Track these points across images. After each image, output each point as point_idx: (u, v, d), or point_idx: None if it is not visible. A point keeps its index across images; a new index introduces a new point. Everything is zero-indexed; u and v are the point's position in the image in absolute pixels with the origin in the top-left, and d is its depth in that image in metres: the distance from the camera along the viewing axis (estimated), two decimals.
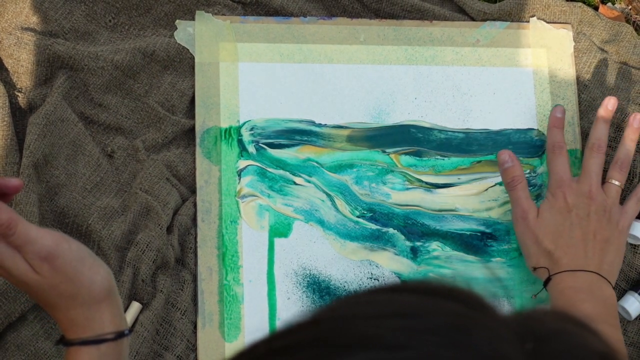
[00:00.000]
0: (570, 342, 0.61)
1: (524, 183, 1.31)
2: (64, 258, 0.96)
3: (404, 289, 0.64)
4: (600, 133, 1.33)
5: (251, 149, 1.34)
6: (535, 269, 1.29)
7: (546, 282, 1.27)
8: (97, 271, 0.98)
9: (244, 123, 1.35)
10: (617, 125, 1.41)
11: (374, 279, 1.32)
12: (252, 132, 1.35)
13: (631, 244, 1.37)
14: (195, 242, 1.30)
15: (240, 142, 1.34)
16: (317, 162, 1.35)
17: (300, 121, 1.36)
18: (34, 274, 0.96)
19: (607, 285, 1.26)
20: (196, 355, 1.27)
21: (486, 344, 0.59)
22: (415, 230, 1.34)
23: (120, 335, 0.98)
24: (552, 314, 0.64)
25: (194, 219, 1.31)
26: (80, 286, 0.97)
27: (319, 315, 0.62)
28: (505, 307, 1.33)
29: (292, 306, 1.30)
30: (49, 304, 0.98)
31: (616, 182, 1.32)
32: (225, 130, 1.34)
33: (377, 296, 0.63)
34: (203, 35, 1.37)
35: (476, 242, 1.35)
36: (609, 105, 1.34)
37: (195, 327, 1.28)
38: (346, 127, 1.37)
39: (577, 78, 1.42)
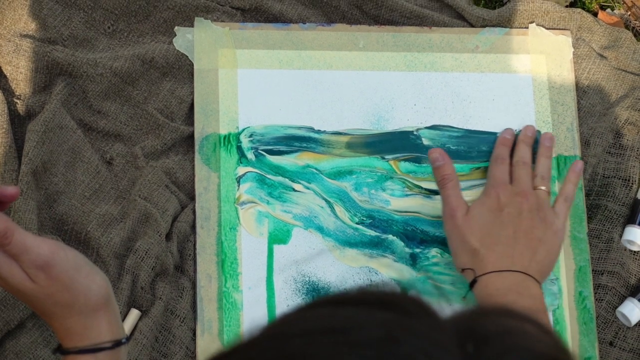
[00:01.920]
0: (511, 341, 0.61)
1: (454, 181, 1.30)
2: (60, 266, 0.96)
3: (339, 301, 0.64)
4: (523, 153, 1.34)
5: (250, 155, 1.34)
6: (462, 270, 1.27)
7: (472, 284, 1.25)
8: (93, 279, 0.98)
9: (243, 130, 1.35)
10: (617, 132, 1.41)
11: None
12: (251, 138, 1.35)
13: (631, 250, 1.37)
14: (195, 249, 1.30)
15: (240, 149, 1.34)
16: (316, 169, 1.35)
17: (300, 128, 1.36)
18: (30, 282, 0.96)
19: (535, 284, 1.24)
20: None
21: (419, 352, 0.59)
22: (415, 236, 1.34)
23: (117, 343, 0.98)
24: (496, 312, 0.63)
25: (193, 226, 1.31)
26: (76, 295, 0.96)
27: (256, 336, 0.63)
28: None
29: None
30: (46, 312, 0.97)
31: (543, 187, 1.31)
32: (224, 136, 1.34)
33: (312, 311, 0.63)
34: (202, 41, 1.37)
35: None
36: (528, 132, 1.36)
37: (194, 334, 1.28)
38: (345, 134, 1.37)
39: (577, 84, 1.42)
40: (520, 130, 1.38)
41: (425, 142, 1.38)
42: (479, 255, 1.25)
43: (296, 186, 1.34)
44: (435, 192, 1.36)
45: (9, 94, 1.31)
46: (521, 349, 0.61)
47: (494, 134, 1.39)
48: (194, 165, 1.33)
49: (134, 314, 1.25)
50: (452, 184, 1.29)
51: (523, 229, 1.27)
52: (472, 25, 1.43)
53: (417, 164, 1.37)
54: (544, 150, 1.35)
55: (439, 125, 1.38)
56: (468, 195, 1.36)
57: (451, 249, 1.29)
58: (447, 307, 1.32)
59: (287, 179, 1.34)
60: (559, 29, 1.44)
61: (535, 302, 1.22)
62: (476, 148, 1.38)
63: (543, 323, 0.63)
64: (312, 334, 0.60)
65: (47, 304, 0.97)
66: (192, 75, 1.36)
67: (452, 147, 1.38)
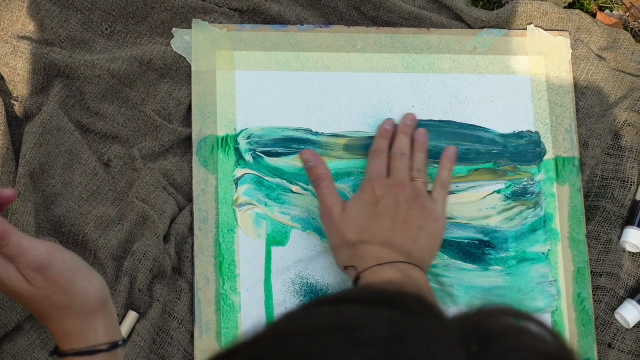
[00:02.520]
0: (516, 341, 0.61)
1: (328, 180, 1.29)
2: (57, 269, 0.96)
3: (345, 299, 0.63)
4: (402, 144, 1.33)
5: (248, 157, 1.34)
6: (345, 268, 1.25)
7: (356, 282, 1.23)
8: (90, 282, 0.97)
9: (241, 131, 1.35)
10: (616, 133, 1.40)
11: None
12: (249, 140, 1.34)
13: (629, 252, 1.37)
14: (192, 251, 1.30)
15: (237, 151, 1.34)
16: None
17: (298, 129, 1.36)
18: (27, 284, 0.96)
19: (419, 273, 1.23)
20: None
21: (424, 352, 0.59)
22: None
23: (114, 346, 0.98)
24: (500, 311, 0.63)
25: (191, 228, 1.31)
26: (73, 297, 0.96)
27: (260, 334, 0.62)
28: None
29: None
30: (43, 314, 0.97)
31: (419, 178, 1.31)
32: (222, 138, 1.34)
33: (317, 310, 0.63)
34: (200, 43, 1.36)
35: (474, 250, 1.35)
36: (408, 121, 1.35)
37: (192, 336, 1.27)
38: (343, 136, 1.36)
39: (575, 85, 1.42)
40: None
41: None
42: (359, 250, 1.24)
43: (294, 188, 1.34)
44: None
45: (7, 95, 1.31)
46: (526, 349, 0.61)
47: (488, 130, 1.38)
48: (191, 167, 1.33)
49: (132, 316, 1.25)
50: (326, 183, 1.29)
51: (401, 219, 1.26)
52: (470, 27, 1.43)
53: None
54: (418, 145, 1.34)
55: (432, 121, 1.38)
56: (466, 198, 1.36)
57: (331, 248, 1.28)
58: (445, 309, 1.32)
59: (285, 181, 1.34)
60: (558, 30, 1.44)
61: (421, 287, 1.21)
62: (474, 150, 1.38)
63: (547, 323, 0.63)
64: (317, 333, 0.60)
65: (44, 306, 0.97)
66: (190, 77, 1.35)
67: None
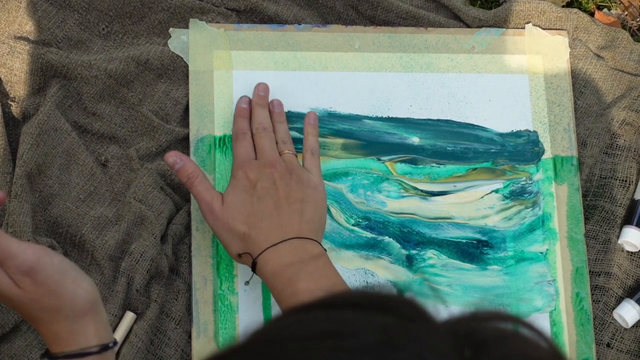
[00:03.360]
0: (509, 347, 0.60)
1: (200, 176, 1.26)
2: (45, 272, 0.95)
3: (336, 303, 0.63)
4: (261, 117, 1.31)
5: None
6: (239, 256, 1.24)
7: (254, 268, 1.22)
8: (80, 284, 0.97)
9: None
10: (614, 132, 1.40)
11: (369, 287, 1.31)
12: None
13: (628, 252, 1.37)
14: (190, 251, 1.30)
15: None
16: None
17: (295, 129, 1.35)
18: (16, 288, 0.96)
19: (314, 245, 1.22)
20: None
21: (416, 358, 0.58)
22: (411, 238, 1.34)
23: (104, 348, 0.98)
24: (494, 316, 0.63)
25: (188, 228, 1.30)
26: (63, 300, 0.96)
27: (250, 340, 0.62)
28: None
29: None
30: (33, 317, 0.97)
31: (287, 150, 1.29)
32: (220, 138, 1.34)
33: (308, 314, 0.62)
34: (197, 43, 1.36)
35: (472, 250, 1.35)
36: (260, 91, 1.33)
37: (189, 337, 1.27)
38: (341, 136, 1.36)
39: (573, 84, 1.42)
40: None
41: (418, 142, 1.37)
42: (250, 238, 1.22)
43: None
44: (431, 194, 1.36)
45: (3, 96, 1.31)
46: (519, 354, 0.60)
47: (486, 129, 1.38)
48: None
49: (129, 316, 1.25)
50: (198, 179, 1.25)
51: (282, 197, 1.24)
52: (468, 26, 1.42)
53: (413, 166, 1.36)
54: (276, 117, 1.32)
55: (430, 120, 1.38)
56: (464, 197, 1.36)
57: (222, 242, 1.25)
58: (443, 309, 1.32)
59: None
60: (556, 29, 1.43)
61: (318, 262, 1.20)
62: (472, 149, 1.38)
63: (541, 329, 0.62)
64: (308, 339, 0.59)
65: (33, 310, 0.97)
66: (187, 76, 1.35)
67: (448, 148, 1.37)
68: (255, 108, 1.32)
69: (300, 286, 1.17)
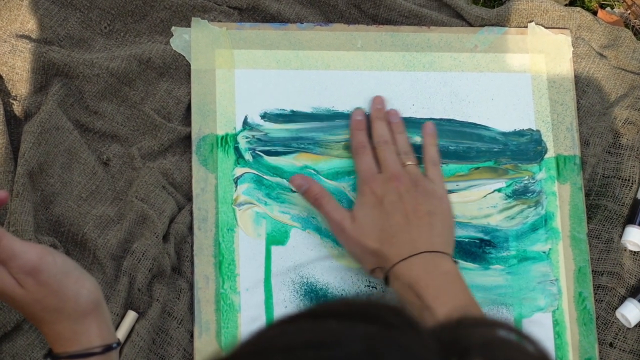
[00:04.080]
0: (495, 353, 0.60)
1: (327, 197, 1.28)
2: (48, 272, 0.95)
3: (321, 314, 0.63)
4: (381, 130, 1.32)
5: (248, 156, 1.33)
6: (372, 271, 1.25)
7: (386, 281, 1.23)
8: (83, 284, 0.97)
9: (241, 130, 1.34)
10: (616, 131, 1.40)
11: (372, 287, 1.31)
12: (248, 139, 1.34)
13: (631, 251, 1.37)
14: (192, 250, 1.30)
15: (237, 150, 1.33)
16: (314, 170, 1.34)
17: (298, 128, 1.35)
18: (19, 288, 0.95)
19: (443, 258, 1.22)
20: None
21: None
22: None
23: (108, 348, 0.98)
24: (480, 322, 0.63)
25: (190, 227, 1.30)
26: (65, 300, 0.96)
27: (236, 351, 0.62)
28: (504, 315, 1.32)
29: None
30: (36, 317, 0.97)
31: (410, 162, 1.30)
32: (222, 137, 1.33)
33: (293, 325, 0.62)
34: (199, 42, 1.36)
35: (475, 249, 1.34)
36: (377, 104, 1.34)
37: (191, 336, 1.27)
38: (343, 135, 1.36)
39: (576, 83, 1.42)
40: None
41: (420, 142, 1.37)
42: (382, 253, 1.23)
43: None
44: None
45: (5, 94, 1.31)
46: None
47: (488, 128, 1.38)
48: (191, 166, 1.32)
49: (131, 315, 1.25)
50: (326, 199, 1.28)
51: (410, 210, 1.25)
52: (470, 25, 1.42)
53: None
54: (395, 127, 1.33)
55: (432, 119, 1.37)
56: (467, 196, 1.36)
57: (356, 259, 1.27)
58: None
59: (285, 180, 1.33)
60: (558, 28, 1.43)
61: (447, 277, 1.20)
62: (475, 148, 1.38)
63: (528, 333, 0.62)
64: (293, 350, 0.59)
65: (36, 309, 0.96)
66: (189, 75, 1.35)
67: (450, 147, 1.37)
68: (375, 121, 1.33)
69: (427, 301, 1.18)
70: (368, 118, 1.35)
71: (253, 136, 1.34)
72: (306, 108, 1.36)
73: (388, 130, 1.32)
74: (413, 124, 1.37)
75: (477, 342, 0.60)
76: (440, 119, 1.38)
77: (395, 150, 1.30)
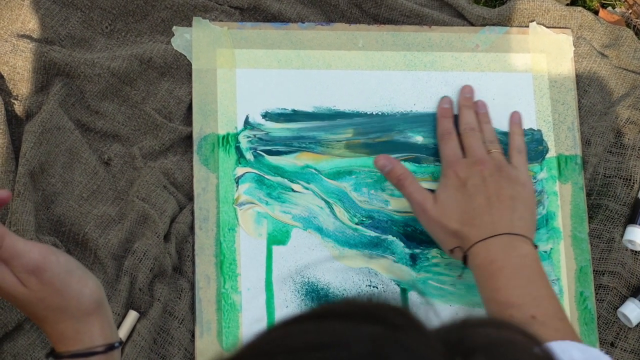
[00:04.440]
0: (500, 353, 0.60)
1: (410, 178, 1.29)
2: (51, 271, 0.95)
3: (326, 315, 0.62)
4: (469, 118, 1.34)
5: (249, 156, 1.33)
6: (451, 251, 1.27)
7: (465, 260, 1.25)
8: (85, 284, 0.97)
9: (242, 130, 1.34)
10: (618, 131, 1.40)
11: (373, 287, 1.31)
12: (249, 139, 1.34)
13: (632, 251, 1.37)
14: (193, 250, 1.30)
15: (238, 149, 1.33)
16: (315, 169, 1.34)
17: (299, 128, 1.35)
18: (21, 287, 0.95)
19: (523, 242, 1.23)
20: None
21: None
22: (415, 237, 1.34)
23: (110, 347, 0.98)
24: (485, 322, 0.62)
25: (192, 227, 1.30)
26: (68, 299, 0.96)
27: (239, 353, 0.61)
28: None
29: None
30: (38, 317, 0.97)
31: (495, 149, 1.32)
32: (223, 137, 1.33)
33: (297, 327, 0.62)
34: (200, 41, 1.36)
35: None
36: (466, 93, 1.37)
37: (193, 335, 1.27)
38: (345, 134, 1.36)
39: (577, 83, 1.42)
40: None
41: (422, 141, 1.37)
42: (463, 234, 1.24)
43: (295, 187, 1.33)
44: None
45: (6, 94, 1.31)
46: None
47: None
48: (192, 166, 1.32)
49: (132, 315, 1.25)
50: (409, 181, 1.29)
51: (493, 194, 1.26)
52: (472, 24, 1.42)
53: (417, 164, 1.36)
54: (482, 117, 1.35)
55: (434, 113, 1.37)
56: None
57: (436, 240, 1.28)
58: (447, 309, 1.32)
59: (286, 180, 1.33)
60: (560, 27, 1.43)
61: (524, 261, 1.21)
62: None
63: (533, 334, 0.62)
64: (297, 351, 0.59)
65: (38, 309, 0.96)
66: (191, 75, 1.35)
67: None
68: (463, 109, 1.35)
69: (501, 282, 1.19)
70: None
71: (254, 136, 1.34)
72: (307, 107, 1.36)
73: (474, 119, 1.35)
74: (414, 118, 1.37)
75: (482, 342, 0.60)
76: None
77: (480, 137, 1.33)
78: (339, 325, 0.60)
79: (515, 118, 1.37)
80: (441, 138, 1.34)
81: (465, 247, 1.24)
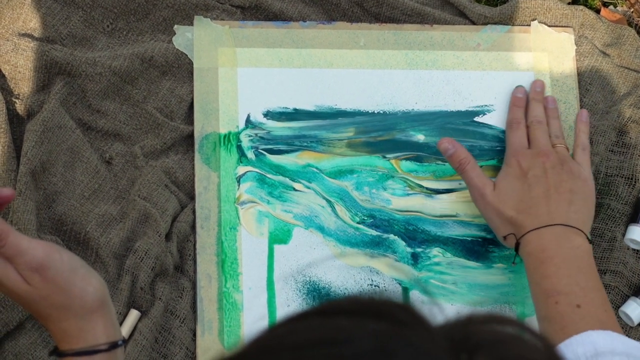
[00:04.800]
0: (505, 350, 0.60)
1: (472, 163, 1.30)
2: (55, 269, 0.95)
3: (331, 311, 0.62)
4: (537, 111, 1.35)
5: (250, 154, 1.33)
6: (504, 238, 1.28)
7: (517, 250, 1.26)
8: (89, 282, 0.97)
9: (243, 129, 1.34)
10: (620, 130, 1.40)
11: (374, 286, 1.31)
12: (251, 137, 1.34)
13: (634, 250, 1.36)
14: (194, 249, 1.30)
15: (240, 148, 1.33)
16: (316, 168, 1.34)
17: (300, 127, 1.35)
18: (25, 285, 0.95)
19: (577, 234, 1.25)
20: None
21: None
22: (416, 236, 1.34)
23: (113, 345, 0.98)
24: (491, 319, 0.62)
25: (193, 226, 1.30)
26: (72, 297, 0.96)
27: (245, 349, 0.61)
28: (507, 313, 1.32)
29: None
30: (41, 314, 0.97)
31: (560, 144, 1.33)
32: (224, 136, 1.33)
33: (303, 323, 0.62)
34: (202, 40, 1.36)
35: (477, 248, 1.34)
36: (537, 87, 1.38)
37: (194, 334, 1.27)
38: (346, 133, 1.36)
39: (579, 82, 1.41)
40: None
41: (423, 140, 1.37)
42: (518, 221, 1.26)
43: (297, 185, 1.33)
44: (436, 192, 1.35)
45: (8, 93, 1.31)
46: (514, 357, 0.60)
47: (491, 127, 1.38)
48: (193, 165, 1.32)
49: (134, 314, 1.25)
50: (470, 165, 1.30)
51: (552, 185, 1.27)
52: (473, 23, 1.42)
53: (418, 163, 1.36)
54: (550, 112, 1.37)
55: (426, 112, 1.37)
56: (469, 195, 1.36)
57: (491, 226, 1.30)
58: (448, 307, 1.32)
59: (287, 179, 1.33)
60: (562, 26, 1.43)
61: (576, 252, 1.23)
62: (477, 147, 1.37)
63: (538, 331, 0.62)
64: (303, 348, 0.59)
65: (42, 306, 0.96)
66: (192, 74, 1.35)
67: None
68: (532, 102, 1.36)
69: (550, 270, 1.21)
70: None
71: (256, 134, 1.34)
72: (309, 106, 1.36)
73: (543, 112, 1.36)
74: (414, 118, 1.37)
75: (487, 339, 0.60)
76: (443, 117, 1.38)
77: (546, 131, 1.34)
78: (344, 321, 0.60)
79: (582, 116, 1.37)
80: (509, 126, 1.35)
81: (518, 235, 1.25)
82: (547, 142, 1.32)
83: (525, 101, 1.37)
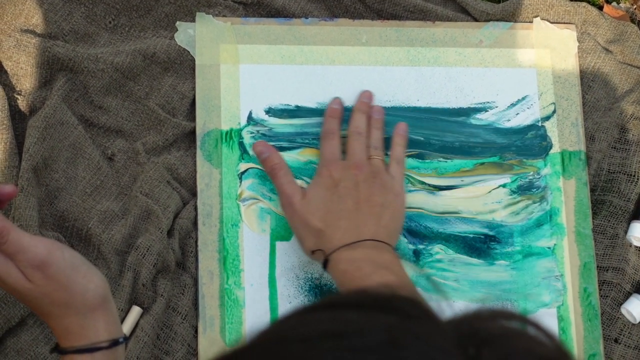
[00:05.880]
0: (513, 344, 0.60)
1: (285, 169, 1.28)
2: (56, 266, 0.95)
3: (340, 304, 0.63)
4: (359, 122, 1.32)
5: (252, 151, 1.33)
6: (312, 252, 1.25)
7: (325, 265, 1.23)
8: (91, 279, 0.97)
9: (245, 125, 1.34)
10: (622, 127, 1.40)
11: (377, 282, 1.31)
12: (253, 134, 1.34)
13: (636, 247, 1.36)
14: (196, 245, 1.30)
15: (242, 145, 1.33)
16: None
17: (302, 124, 1.35)
18: (26, 282, 0.96)
19: (387, 249, 1.22)
20: None
21: (421, 356, 0.58)
22: (418, 232, 1.34)
23: (115, 343, 0.98)
24: (498, 314, 0.63)
25: (195, 223, 1.30)
26: (73, 294, 0.96)
27: (255, 340, 0.62)
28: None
29: None
30: (43, 312, 0.97)
31: (376, 156, 1.30)
32: (226, 132, 1.33)
33: (312, 315, 0.62)
34: (204, 37, 1.36)
35: (479, 245, 1.34)
36: (364, 97, 1.35)
37: (196, 331, 1.27)
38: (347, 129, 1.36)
39: (581, 78, 1.41)
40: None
41: (424, 136, 1.37)
42: (325, 235, 1.23)
43: (299, 182, 1.33)
44: (439, 188, 1.35)
45: (10, 89, 1.31)
46: (522, 352, 0.60)
47: (492, 123, 1.38)
48: (195, 162, 1.32)
49: (135, 311, 1.25)
50: (282, 172, 1.28)
51: (363, 199, 1.25)
52: (476, 20, 1.42)
53: (420, 160, 1.36)
54: (375, 122, 1.33)
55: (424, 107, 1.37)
56: (472, 192, 1.36)
57: (297, 236, 1.27)
58: (449, 305, 1.32)
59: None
60: (564, 23, 1.43)
61: (390, 270, 1.20)
62: (479, 143, 1.37)
63: (545, 326, 0.62)
64: (312, 339, 0.59)
65: (43, 304, 0.96)
66: (194, 70, 1.35)
67: (455, 144, 1.37)
68: (356, 112, 1.33)
69: (373, 282, 1.18)
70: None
71: (257, 131, 1.34)
72: (311, 103, 1.36)
73: (365, 124, 1.32)
74: (415, 112, 1.37)
75: (495, 333, 0.61)
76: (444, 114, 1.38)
77: (365, 143, 1.31)
78: (353, 314, 0.61)
79: (399, 129, 1.34)
80: (323, 137, 1.32)
81: (327, 251, 1.22)
82: (362, 154, 1.29)
83: (341, 112, 1.34)
